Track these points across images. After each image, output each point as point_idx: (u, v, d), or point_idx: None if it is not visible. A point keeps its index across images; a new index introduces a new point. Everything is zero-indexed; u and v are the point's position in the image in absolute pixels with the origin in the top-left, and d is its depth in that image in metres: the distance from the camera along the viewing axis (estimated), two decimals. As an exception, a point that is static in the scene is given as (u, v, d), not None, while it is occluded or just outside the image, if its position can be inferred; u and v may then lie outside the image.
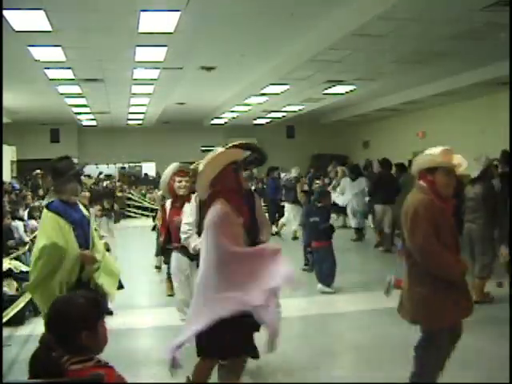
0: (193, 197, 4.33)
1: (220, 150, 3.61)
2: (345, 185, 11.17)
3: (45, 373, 1.83)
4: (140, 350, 5.18)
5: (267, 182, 14.54)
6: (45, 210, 3.92)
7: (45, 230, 3.83)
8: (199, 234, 3.89)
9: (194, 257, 4.51)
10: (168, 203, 5.14)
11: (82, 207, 4.14)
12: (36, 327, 5.68)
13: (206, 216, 3.28)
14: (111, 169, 23.29)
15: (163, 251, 5.77)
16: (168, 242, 5.02)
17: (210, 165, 3.35)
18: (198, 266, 4.91)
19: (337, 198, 10.90)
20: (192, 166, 4.64)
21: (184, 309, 4.75)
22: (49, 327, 1.94)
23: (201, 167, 3.52)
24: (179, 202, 4.92)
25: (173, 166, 5.24)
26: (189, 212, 4.25)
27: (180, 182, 5.03)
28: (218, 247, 3.14)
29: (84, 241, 3.89)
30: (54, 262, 3.69)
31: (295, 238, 10.94)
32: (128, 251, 10.03)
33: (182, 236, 4.21)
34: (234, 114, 18.67)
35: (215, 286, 3.11)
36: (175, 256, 4.84)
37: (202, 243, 3.39)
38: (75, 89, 12.88)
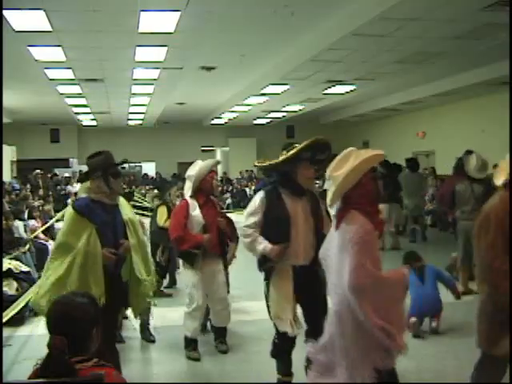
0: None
1: (357, 152, 2.97)
2: None
3: (59, 376, 1.81)
4: (140, 350, 5.17)
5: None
6: (69, 207, 3.77)
7: (62, 227, 3.70)
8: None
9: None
10: (191, 202, 4.80)
11: (122, 207, 3.82)
12: (36, 327, 5.69)
13: (346, 231, 2.81)
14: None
15: (187, 256, 4.85)
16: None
17: (353, 171, 2.81)
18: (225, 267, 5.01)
19: None
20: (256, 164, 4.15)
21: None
22: (56, 329, 1.92)
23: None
24: (209, 201, 4.82)
25: (211, 162, 4.97)
26: (251, 212, 3.81)
27: (216, 180, 4.96)
28: (363, 270, 2.71)
29: (113, 243, 3.63)
30: (66, 262, 3.50)
31: None
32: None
33: (246, 239, 3.76)
34: (234, 114, 18.66)
35: (360, 315, 2.71)
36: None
37: (333, 262, 2.93)
38: (75, 89, 12.88)
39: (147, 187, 20.02)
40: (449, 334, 5.29)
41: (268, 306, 3.76)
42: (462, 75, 12.13)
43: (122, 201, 3.84)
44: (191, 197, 4.81)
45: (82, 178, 3.88)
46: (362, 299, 2.68)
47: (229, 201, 18.78)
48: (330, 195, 2.93)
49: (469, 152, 7.21)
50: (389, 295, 2.78)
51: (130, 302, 3.81)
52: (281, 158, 3.76)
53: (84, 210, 3.59)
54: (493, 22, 7.46)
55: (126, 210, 3.86)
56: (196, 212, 4.73)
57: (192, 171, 4.84)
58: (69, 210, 3.69)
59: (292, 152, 3.72)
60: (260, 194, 3.82)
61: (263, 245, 3.63)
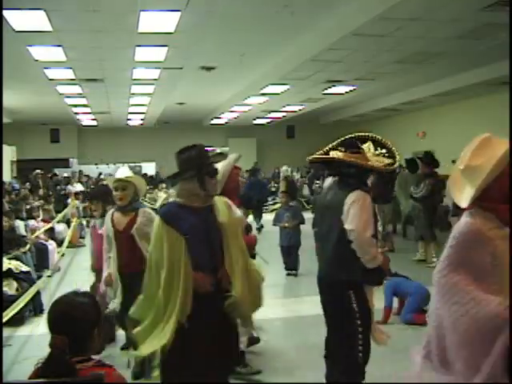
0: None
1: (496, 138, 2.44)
2: None
3: (60, 376, 1.81)
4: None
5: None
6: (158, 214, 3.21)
7: (152, 241, 3.11)
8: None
9: None
10: None
11: (217, 208, 3.13)
12: (36, 327, 5.69)
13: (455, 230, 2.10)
14: (111, 169, 23.27)
15: None
16: None
17: (499, 163, 2.24)
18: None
19: None
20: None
21: None
22: (57, 329, 1.92)
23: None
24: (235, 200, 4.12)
25: (233, 157, 4.62)
26: (367, 215, 3.27)
27: (241, 176, 4.74)
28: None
29: (208, 258, 2.98)
30: (152, 279, 3.00)
31: None
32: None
33: (371, 249, 3.24)
34: (234, 114, 18.66)
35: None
36: None
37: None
38: (75, 89, 12.88)
39: (147, 187, 20.04)
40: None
41: None
42: (462, 75, 12.13)
43: (216, 200, 3.18)
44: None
45: (175, 180, 3.18)
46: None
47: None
48: (468, 189, 2.26)
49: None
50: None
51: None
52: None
53: (171, 217, 3.03)
54: (493, 22, 7.46)
55: (222, 210, 3.15)
56: None
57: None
58: (155, 219, 3.17)
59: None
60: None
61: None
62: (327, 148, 3.62)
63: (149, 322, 2.96)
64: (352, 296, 3.25)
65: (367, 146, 3.61)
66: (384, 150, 3.53)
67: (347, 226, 3.21)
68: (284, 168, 11.76)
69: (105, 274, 4.42)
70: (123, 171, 4.62)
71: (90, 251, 5.46)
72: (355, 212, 3.22)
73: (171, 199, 3.49)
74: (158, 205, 11.02)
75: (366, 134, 3.82)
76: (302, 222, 7.98)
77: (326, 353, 3.51)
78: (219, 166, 4.18)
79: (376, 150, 3.56)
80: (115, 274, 4.31)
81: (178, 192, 3.12)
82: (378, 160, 3.46)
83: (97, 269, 5.12)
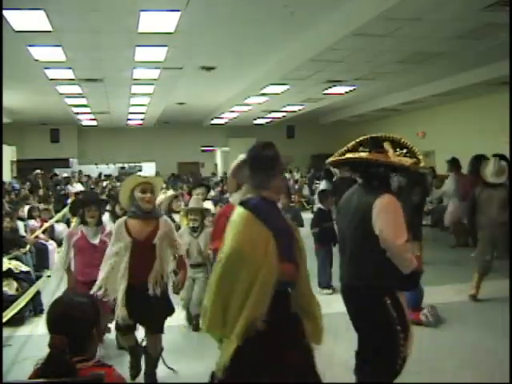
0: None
1: None
2: None
3: (60, 376, 1.81)
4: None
5: None
6: (238, 207, 2.97)
7: (234, 232, 2.87)
8: None
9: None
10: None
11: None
12: (36, 327, 5.69)
13: None
14: (111, 169, 23.30)
15: None
16: None
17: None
18: None
19: None
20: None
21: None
22: (57, 329, 1.92)
23: None
24: None
25: (243, 157, 4.28)
26: (398, 221, 3.13)
27: None
28: None
29: (288, 256, 2.87)
30: (233, 275, 2.77)
31: None
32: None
33: (406, 256, 3.11)
34: (234, 114, 18.66)
35: None
36: None
37: None
38: (75, 89, 12.88)
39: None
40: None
41: None
42: (462, 75, 12.13)
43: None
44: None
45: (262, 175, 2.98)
46: None
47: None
48: None
49: (480, 156, 7.30)
50: None
51: None
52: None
53: (261, 212, 2.86)
54: (493, 22, 7.46)
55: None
56: None
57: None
58: (239, 211, 2.92)
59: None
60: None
61: None
62: (344, 150, 3.41)
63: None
64: (388, 303, 3.11)
65: (386, 147, 3.41)
66: (404, 150, 3.34)
67: (379, 235, 3.06)
68: None
69: (100, 284, 3.98)
70: (148, 171, 4.45)
71: (65, 255, 4.84)
72: (385, 219, 3.08)
73: (249, 195, 3.02)
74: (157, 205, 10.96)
75: (384, 134, 3.59)
76: (301, 224, 7.87)
77: (358, 350, 3.37)
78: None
79: (395, 150, 3.35)
80: (124, 285, 3.92)
81: (261, 187, 2.93)
82: (401, 160, 3.26)
83: (70, 272, 4.84)
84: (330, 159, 3.45)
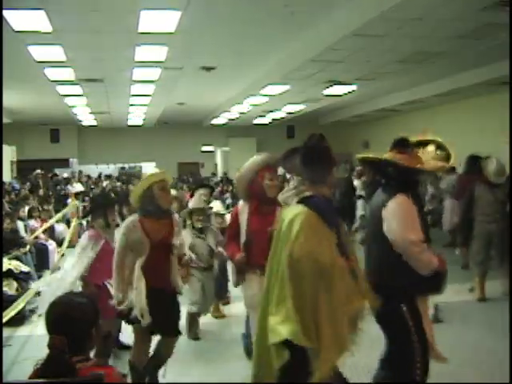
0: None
1: None
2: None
3: (59, 376, 1.81)
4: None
5: None
6: (299, 206, 2.79)
7: (303, 233, 2.67)
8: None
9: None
10: (242, 207, 4.03)
11: None
12: (36, 327, 5.69)
13: None
14: (111, 169, 23.30)
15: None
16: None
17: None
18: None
19: None
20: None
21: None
22: (56, 330, 1.92)
23: None
24: (265, 206, 3.86)
25: (260, 159, 3.99)
26: (406, 219, 3.04)
27: (271, 180, 3.85)
28: None
29: (346, 253, 2.84)
30: (310, 283, 2.65)
31: None
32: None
33: (419, 255, 3.00)
34: (234, 114, 18.66)
35: None
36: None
37: None
38: (75, 89, 12.88)
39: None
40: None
41: None
42: (462, 75, 12.13)
43: None
44: (244, 200, 4.04)
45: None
46: None
47: (229, 201, 18.76)
48: None
49: (476, 156, 7.33)
50: None
51: None
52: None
53: (326, 212, 2.77)
54: (493, 22, 7.46)
55: None
56: (243, 218, 3.95)
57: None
58: (303, 211, 2.76)
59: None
60: None
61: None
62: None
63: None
64: (404, 309, 3.00)
65: (431, 149, 3.45)
66: (444, 153, 3.39)
67: (387, 234, 3.02)
68: (280, 170, 11.74)
69: (119, 293, 3.74)
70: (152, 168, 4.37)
71: (88, 261, 4.46)
72: (392, 219, 3.02)
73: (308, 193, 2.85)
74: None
75: (430, 138, 3.70)
76: None
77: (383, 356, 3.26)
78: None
79: (437, 152, 3.40)
80: (143, 290, 3.67)
81: (318, 182, 2.85)
82: (431, 163, 3.29)
83: (88, 282, 4.47)
84: (359, 156, 3.50)
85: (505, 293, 6.20)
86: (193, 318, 5.44)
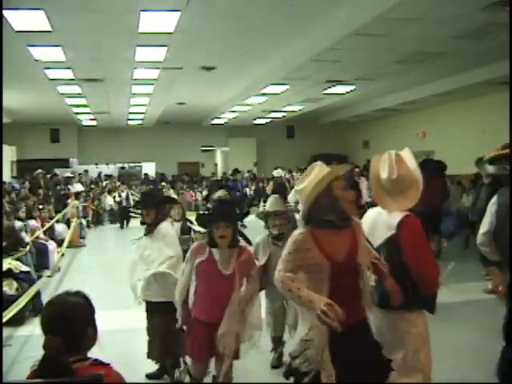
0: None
1: None
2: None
3: (56, 377, 1.81)
4: (140, 350, 5.17)
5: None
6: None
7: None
8: None
9: None
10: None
11: None
12: (36, 327, 5.69)
13: None
14: (111, 169, 23.31)
15: None
16: None
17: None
18: None
19: None
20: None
21: None
22: (52, 330, 1.91)
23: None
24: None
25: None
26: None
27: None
28: None
29: None
30: None
31: None
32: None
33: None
34: (234, 114, 18.67)
35: None
36: None
37: None
38: (75, 89, 12.89)
39: (147, 187, 20.06)
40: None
41: None
42: (462, 75, 12.14)
43: None
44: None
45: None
46: None
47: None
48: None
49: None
50: None
51: None
52: None
53: None
54: (493, 22, 7.47)
55: None
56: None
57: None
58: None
59: None
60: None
61: None
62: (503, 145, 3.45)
63: None
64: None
65: None
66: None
67: None
68: (276, 171, 11.74)
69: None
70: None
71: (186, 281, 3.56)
72: None
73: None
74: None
75: None
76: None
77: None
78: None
79: None
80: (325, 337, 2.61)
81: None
82: None
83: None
84: (492, 154, 3.55)
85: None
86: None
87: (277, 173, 11.88)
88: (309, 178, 2.72)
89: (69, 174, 17.79)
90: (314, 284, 2.61)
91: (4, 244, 7.29)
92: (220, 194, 5.74)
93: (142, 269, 4.21)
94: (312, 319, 2.50)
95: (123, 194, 16.37)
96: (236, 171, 15.99)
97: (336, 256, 2.64)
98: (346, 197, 2.70)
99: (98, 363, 1.93)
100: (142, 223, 4.33)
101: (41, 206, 10.72)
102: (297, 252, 2.65)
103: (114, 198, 16.82)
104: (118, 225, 15.85)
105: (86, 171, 20.48)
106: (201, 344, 3.43)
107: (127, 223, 15.64)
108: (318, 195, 2.67)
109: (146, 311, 4.37)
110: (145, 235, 4.29)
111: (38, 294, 6.30)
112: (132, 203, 15.75)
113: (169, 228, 4.33)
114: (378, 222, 3.03)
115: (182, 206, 6.02)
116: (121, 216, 15.93)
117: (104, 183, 19.29)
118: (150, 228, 4.23)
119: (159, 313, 4.18)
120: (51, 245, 9.28)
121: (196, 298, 3.45)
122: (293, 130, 23.66)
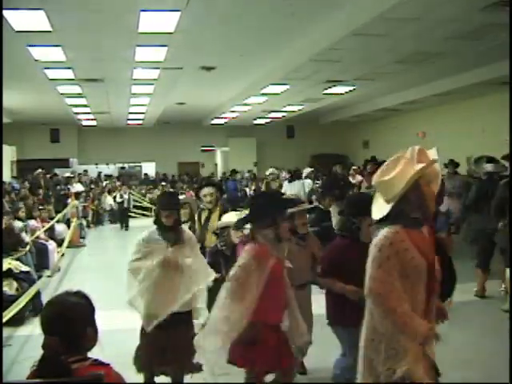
0: None
1: None
2: None
3: (55, 377, 1.81)
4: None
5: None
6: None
7: None
8: None
9: None
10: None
11: None
12: (36, 327, 5.69)
13: None
14: (111, 169, 23.32)
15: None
16: None
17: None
18: None
19: None
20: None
21: None
22: (51, 330, 1.91)
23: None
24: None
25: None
26: None
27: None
28: None
29: None
30: None
31: None
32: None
33: None
34: (234, 114, 18.67)
35: None
36: None
37: None
38: (75, 89, 12.89)
39: (147, 187, 20.06)
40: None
41: None
42: (462, 75, 12.13)
43: None
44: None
45: None
46: None
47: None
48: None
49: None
50: None
51: None
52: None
53: None
54: (493, 22, 7.47)
55: None
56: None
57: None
58: None
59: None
60: None
61: None
62: None
63: None
64: None
65: None
66: None
67: None
68: (270, 170, 11.73)
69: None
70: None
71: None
72: None
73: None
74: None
75: None
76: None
77: None
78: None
79: None
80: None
81: None
82: None
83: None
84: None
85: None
86: None
87: (271, 172, 11.91)
88: (395, 170, 2.45)
89: (69, 174, 17.78)
90: (410, 291, 2.37)
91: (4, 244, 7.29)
92: (206, 191, 5.50)
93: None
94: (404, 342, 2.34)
95: (125, 196, 16.26)
96: (234, 172, 16.06)
97: (429, 257, 2.43)
98: (432, 193, 2.50)
99: (97, 363, 1.93)
100: (158, 224, 3.87)
101: (41, 206, 10.73)
102: (397, 255, 2.35)
103: (114, 198, 16.80)
104: (118, 225, 15.85)
105: (86, 171, 20.52)
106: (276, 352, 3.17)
107: (127, 224, 15.63)
108: (407, 191, 2.44)
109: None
110: (163, 239, 3.83)
111: (37, 294, 6.30)
112: (132, 204, 15.77)
113: (191, 235, 3.99)
114: None
115: (191, 206, 5.84)
116: (121, 216, 15.92)
117: (104, 183, 19.29)
118: (169, 232, 3.83)
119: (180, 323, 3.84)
120: (51, 245, 9.28)
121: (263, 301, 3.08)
122: (293, 130, 23.67)
